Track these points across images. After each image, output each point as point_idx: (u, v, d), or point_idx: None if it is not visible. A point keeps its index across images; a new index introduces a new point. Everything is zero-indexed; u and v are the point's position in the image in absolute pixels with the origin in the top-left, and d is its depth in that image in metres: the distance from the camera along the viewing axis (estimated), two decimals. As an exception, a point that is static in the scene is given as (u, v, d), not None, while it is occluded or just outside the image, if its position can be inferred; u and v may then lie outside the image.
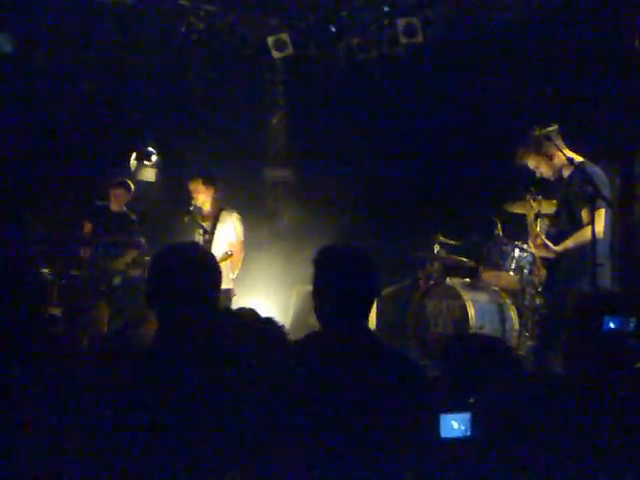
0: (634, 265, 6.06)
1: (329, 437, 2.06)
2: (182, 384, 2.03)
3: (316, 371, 2.22)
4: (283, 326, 2.90)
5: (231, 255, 6.10)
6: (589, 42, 6.53)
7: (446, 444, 1.80)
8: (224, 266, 6.17)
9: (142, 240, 6.66)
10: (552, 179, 4.72)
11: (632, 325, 2.10)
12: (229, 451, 1.99)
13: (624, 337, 2.08)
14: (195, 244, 2.37)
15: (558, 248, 4.50)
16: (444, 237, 6.69)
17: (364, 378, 2.21)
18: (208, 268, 2.23)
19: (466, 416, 1.81)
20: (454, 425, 1.78)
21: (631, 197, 6.23)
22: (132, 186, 6.95)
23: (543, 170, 4.65)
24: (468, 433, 1.78)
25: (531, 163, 4.69)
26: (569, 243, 4.47)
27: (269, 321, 2.90)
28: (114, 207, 6.84)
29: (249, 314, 3.13)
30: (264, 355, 2.66)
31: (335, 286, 2.39)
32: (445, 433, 1.79)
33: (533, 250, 4.82)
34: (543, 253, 4.64)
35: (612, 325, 2.10)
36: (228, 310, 5.01)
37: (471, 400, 1.98)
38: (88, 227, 6.84)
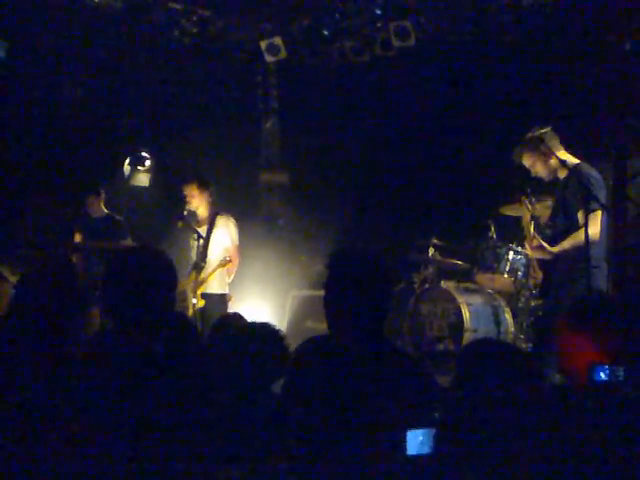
0: (627, 266, 6.08)
1: (337, 441, 2.04)
2: (132, 388, 2.01)
3: (328, 376, 2.15)
4: (280, 330, 2.88)
5: (229, 261, 6.09)
6: (581, 44, 6.56)
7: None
8: (221, 272, 6.17)
9: (130, 241, 6.68)
10: (547, 180, 4.73)
11: (621, 374, 2.10)
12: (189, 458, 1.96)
13: (617, 387, 2.08)
14: (149, 247, 2.30)
15: (554, 249, 4.51)
16: (439, 240, 6.70)
17: (378, 384, 2.17)
18: (161, 270, 2.18)
19: (432, 432, 1.75)
20: (421, 441, 1.73)
21: (623, 198, 6.25)
22: (100, 188, 6.93)
23: (539, 170, 4.65)
24: (433, 450, 1.75)
25: (527, 162, 4.70)
26: (565, 245, 4.48)
27: (265, 326, 2.89)
28: (94, 214, 6.87)
29: (234, 318, 3.13)
30: (252, 358, 2.64)
31: (350, 291, 2.30)
32: (411, 450, 1.74)
33: (529, 252, 4.83)
34: (539, 254, 4.65)
35: (603, 376, 2.10)
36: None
37: (436, 415, 1.97)
38: (78, 237, 6.88)
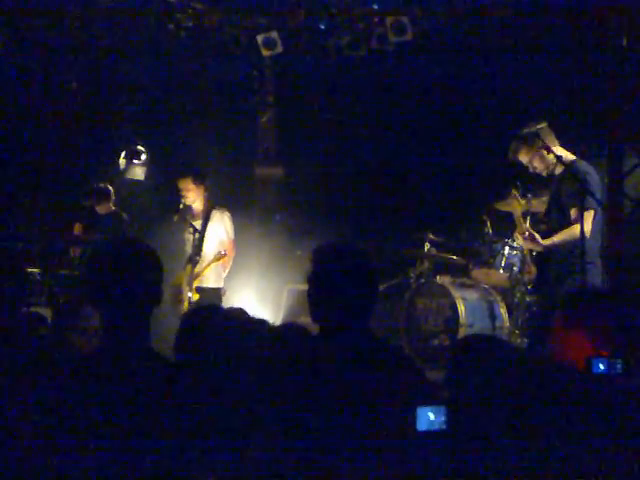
0: (622, 262, 6.09)
1: (320, 435, 2.04)
2: (130, 385, 1.99)
3: (312, 373, 2.15)
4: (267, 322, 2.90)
5: (225, 255, 6.09)
6: (578, 39, 6.56)
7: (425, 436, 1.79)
8: (216, 265, 6.17)
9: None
10: (545, 175, 4.73)
11: (619, 367, 2.11)
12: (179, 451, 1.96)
13: (613, 379, 2.09)
14: (134, 239, 2.27)
15: (546, 242, 4.52)
16: (434, 235, 6.70)
17: (363, 380, 2.16)
18: (147, 263, 2.15)
19: (442, 409, 1.77)
20: (431, 418, 1.76)
21: (619, 194, 6.26)
22: (111, 189, 6.89)
23: (536, 166, 4.65)
24: (444, 426, 1.77)
25: (524, 159, 4.69)
26: (556, 239, 4.49)
27: (258, 321, 2.90)
28: (101, 211, 6.83)
29: (237, 313, 3.12)
30: (241, 351, 2.65)
31: (334, 285, 2.29)
32: (421, 426, 1.76)
33: (521, 243, 4.83)
34: (530, 246, 4.67)
35: (601, 367, 2.11)
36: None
37: (445, 394, 1.98)
38: (78, 228, 6.84)
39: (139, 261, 2.13)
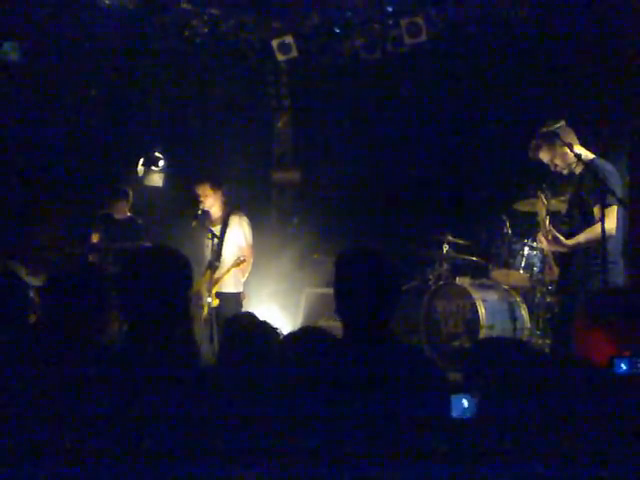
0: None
1: (342, 432, 2.05)
2: (147, 385, 2.01)
3: (335, 370, 2.20)
4: (277, 329, 2.95)
5: (244, 261, 6.10)
6: (596, 37, 6.51)
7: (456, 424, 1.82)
8: (235, 271, 6.18)
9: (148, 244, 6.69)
10: (565, 174, 4.68)
11: None
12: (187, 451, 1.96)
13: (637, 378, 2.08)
14: (165, 246, 2.29)
15: (570, 242, 4.48)
16: (453, 237, 6.68)
17: (384, 378, 2.20)
18: (177, 269, 2.17)
19: (476, 397, 1.84)
20: (465, 405, 1.79)
21: (640, 193, 6.20)
22: (130, 191, 7.00)
23: (558, 164, 4.61)
24: (476, 414, 1.81)
25: (545, 157, 4.65)
26: (580, 238, 4.45)
27: (264, 324, 2.94)
28: (118, 216, 6.91)
29: (247, 317, 3.15)
30: (252, 355, 2.67)
31: (356, 287, 2.37)
32: (456, 413, 1.80)
33: (544, 245, 4.79)
34: (554, 248, 4.62)
35: (624, 367, 2.10)
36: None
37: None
38: (96, 237, 6.92)
39: (171, 269, 2.15)
